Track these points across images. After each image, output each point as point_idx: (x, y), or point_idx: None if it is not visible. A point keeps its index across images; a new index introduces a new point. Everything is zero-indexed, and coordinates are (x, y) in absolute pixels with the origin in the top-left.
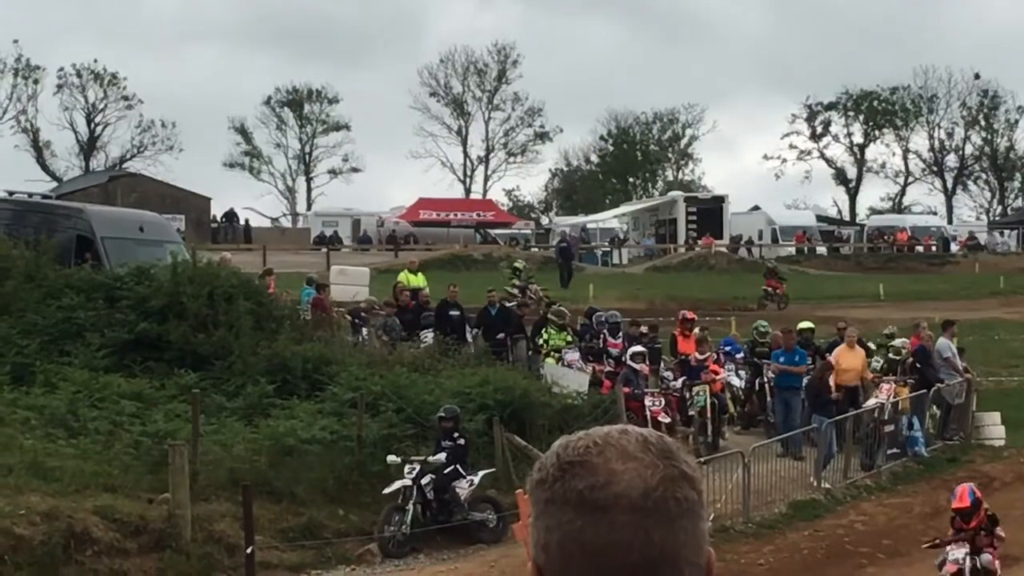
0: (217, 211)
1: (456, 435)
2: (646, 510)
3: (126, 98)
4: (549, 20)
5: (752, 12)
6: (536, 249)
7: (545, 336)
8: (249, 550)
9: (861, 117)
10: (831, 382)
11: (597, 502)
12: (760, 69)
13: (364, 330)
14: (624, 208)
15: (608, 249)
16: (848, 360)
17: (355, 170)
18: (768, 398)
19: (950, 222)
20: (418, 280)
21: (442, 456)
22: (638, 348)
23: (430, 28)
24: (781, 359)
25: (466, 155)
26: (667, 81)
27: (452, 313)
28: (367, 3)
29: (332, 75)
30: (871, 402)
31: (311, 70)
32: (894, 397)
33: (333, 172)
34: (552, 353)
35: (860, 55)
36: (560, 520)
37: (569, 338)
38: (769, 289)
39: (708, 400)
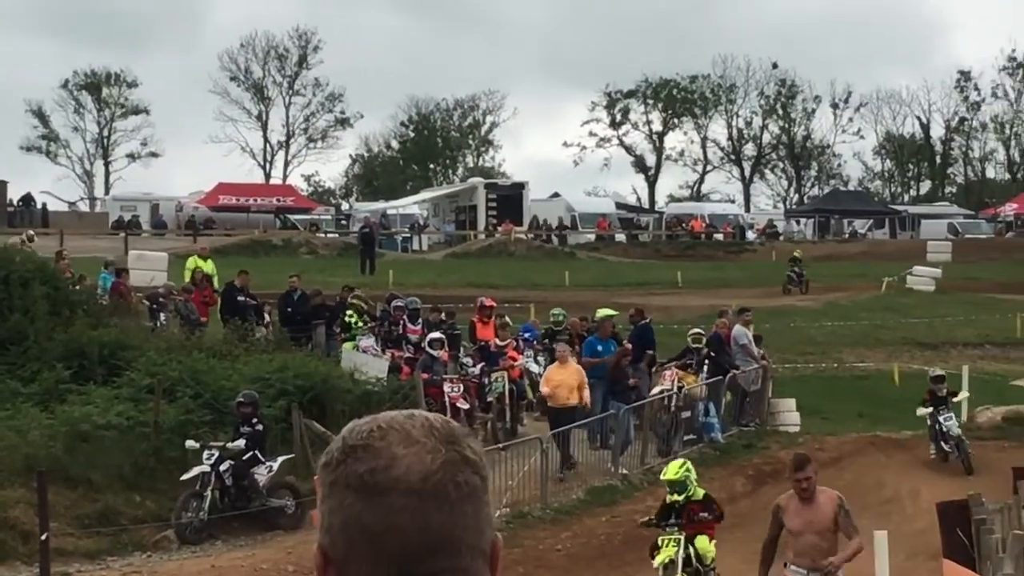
0: (13, 195)
1: (255, 421)
2: (424, 494)
3: None
4: (335, 7)
5: (552, 4)
6: (336, 235)
7: (352, 319)
8: (44, 537)
9: (660, 105)
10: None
11: (376, 485)
12: (560, 57)
13: (162, 315)
14: (424, 194)
15: (408, 235)
16: (558, 376)
17: (154, 155)
18: None
19: (747, 210)
20: (207, 266)
21: (241, 442)
22: (437, 334)
23: (220, 14)
24: (599, 347)
25: (266, 140)
26: (468, 68)
27: (240, 299)
28: None
29: (131, 60)
30: (656, 389)
31: (109, 54)
32: (679, 383)
33: (132, 156)
34: (356, 337)
35: (660, 44)
36: (342, 503)
37: (363, 323)
38: None
39: (506, 386)
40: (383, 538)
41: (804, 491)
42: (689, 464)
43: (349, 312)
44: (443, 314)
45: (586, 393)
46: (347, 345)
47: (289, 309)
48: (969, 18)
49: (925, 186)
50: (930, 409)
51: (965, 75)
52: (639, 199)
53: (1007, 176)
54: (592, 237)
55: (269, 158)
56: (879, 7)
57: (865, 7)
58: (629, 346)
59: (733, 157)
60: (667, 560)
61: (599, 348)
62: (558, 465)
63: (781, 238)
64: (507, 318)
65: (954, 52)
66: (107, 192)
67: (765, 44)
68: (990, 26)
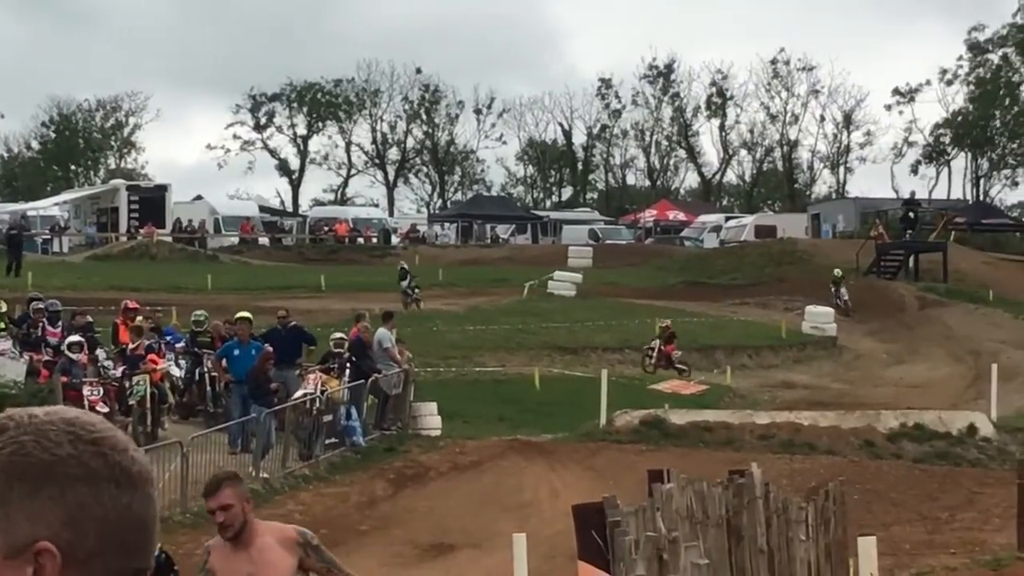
0: None
1: None
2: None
3: None
4: None
5: (192, 6)
6: None
7: None
8: None
9: (305, 109)
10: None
11: (140, 476)
12: (202, 60)
13: None
14: (65, 196)
15: (48, 237)
16: None
17: None
18: (208, 388)
19: (391, 214)
20: None
21: None
22: (76, 338)
23: None
24: (236, 351)
25: None
26: (110, 70)
27: None
28: None
29: None
30: (299, 392)
31: None
32: (322, 386)
33: None
34: None
35: (303, 47)
36: (100, 497)
37: (1, 326)
38: None
39: (148, 390)
40: (148, 528)
41: (225, 529)
42: None
43: None
44: (85, 317)
45: None
46: None
47: None
48: (600, 25)
49: (567, 192)
50: None
51: (606, 83)
52: (283, 202)
53: (647, 183)
54: (235, 240)
55: None
56: (517, 15)
57: (503, 15)
58: (270, 349)
59: (377, 161)
60: None
61: (236, 352)
62: None
63: (425, 242)
64: (151, 320)
65: (591, 59)
66: None
67: (409, 49)
68: (623, 34)
